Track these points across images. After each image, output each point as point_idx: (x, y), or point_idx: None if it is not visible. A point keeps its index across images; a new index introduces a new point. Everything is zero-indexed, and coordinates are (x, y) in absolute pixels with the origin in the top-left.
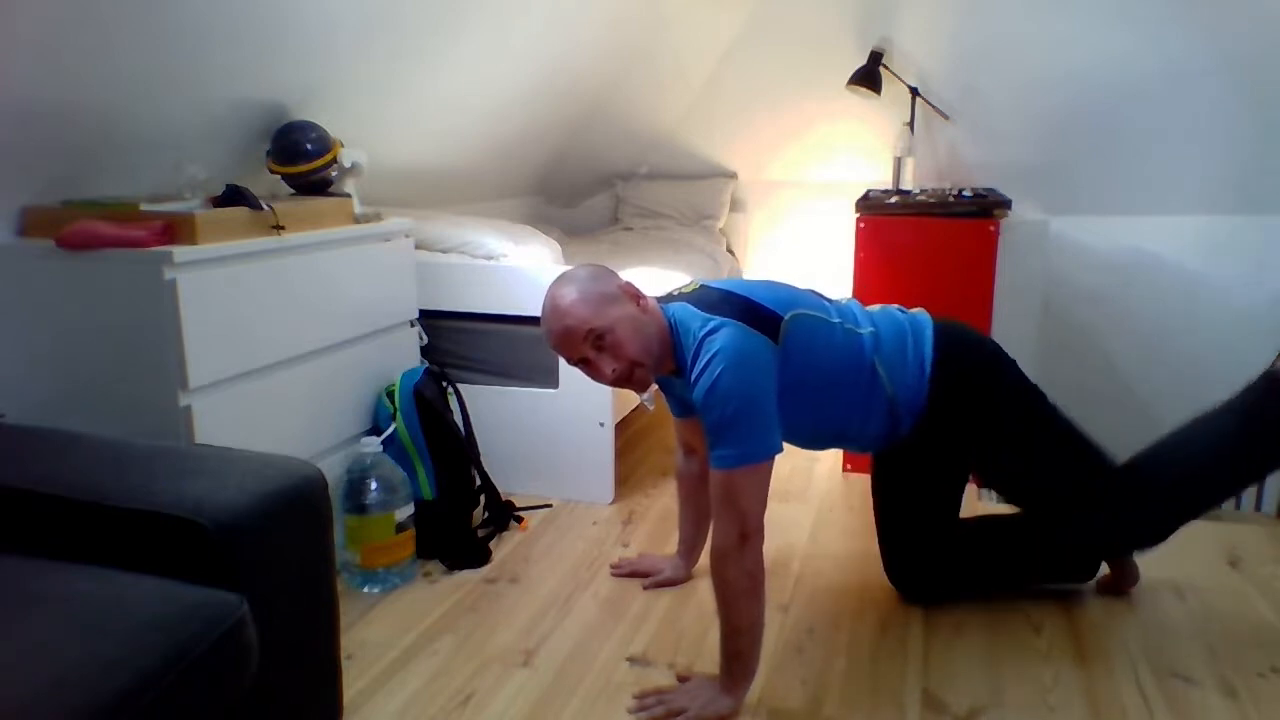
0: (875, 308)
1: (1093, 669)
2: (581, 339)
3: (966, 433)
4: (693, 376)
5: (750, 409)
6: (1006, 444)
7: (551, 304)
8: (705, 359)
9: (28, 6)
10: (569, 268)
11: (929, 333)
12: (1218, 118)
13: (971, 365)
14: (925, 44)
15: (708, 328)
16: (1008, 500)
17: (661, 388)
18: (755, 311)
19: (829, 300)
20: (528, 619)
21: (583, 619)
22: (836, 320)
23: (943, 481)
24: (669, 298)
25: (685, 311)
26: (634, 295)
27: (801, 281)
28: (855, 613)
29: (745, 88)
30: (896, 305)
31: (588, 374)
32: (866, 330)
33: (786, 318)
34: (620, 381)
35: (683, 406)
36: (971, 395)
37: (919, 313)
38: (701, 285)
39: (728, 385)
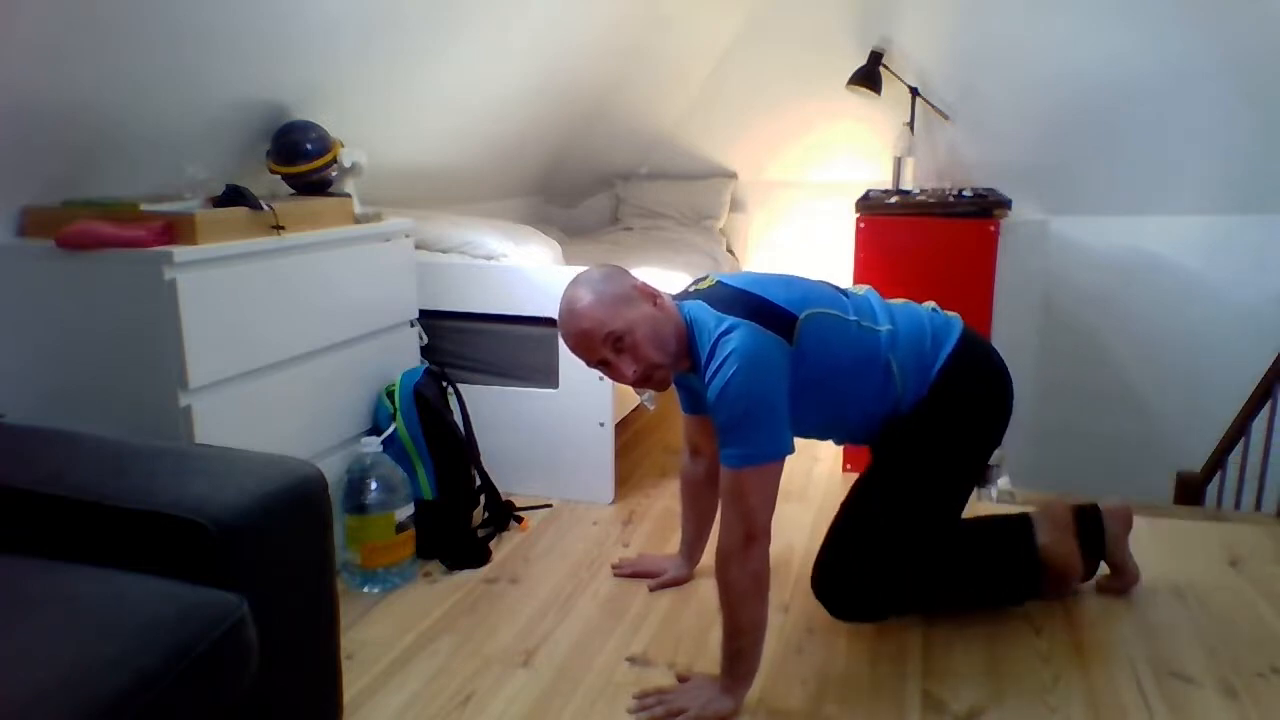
0: (898, 302)
1: (1093, 669)
2: (600, 342)
3: (952, 432)
4: (707, 376)
5: (761, 410)
6: (934, 465)
7: (567, 307)
8: (720, 359)
9: (28, 7)
10: (581, 268)
11: (955, 335)
12: (1218, 118)
13: (982, 375)
14: (925, 44)
15: (722, 328)
16: (853, 500)
17: (674, 383)
18: (770, 311)
19: (845, 295)
20: (528, 619)
21: (583, 619)
22: (852, 318)
23: (918, 481)
24: (684, 295)
25: (701, 310)
26: (650, 295)
27: (812, 276)
28: None
29: (745, 88)
30: (932, 303)
31: (608, 375)
32: (884, 328)
33: (801, 317)
34: (641, 382)
35: (693, 402)
36: (970, 400)
37: (953, 317)
38: (718, 281)
39: (740, 386)
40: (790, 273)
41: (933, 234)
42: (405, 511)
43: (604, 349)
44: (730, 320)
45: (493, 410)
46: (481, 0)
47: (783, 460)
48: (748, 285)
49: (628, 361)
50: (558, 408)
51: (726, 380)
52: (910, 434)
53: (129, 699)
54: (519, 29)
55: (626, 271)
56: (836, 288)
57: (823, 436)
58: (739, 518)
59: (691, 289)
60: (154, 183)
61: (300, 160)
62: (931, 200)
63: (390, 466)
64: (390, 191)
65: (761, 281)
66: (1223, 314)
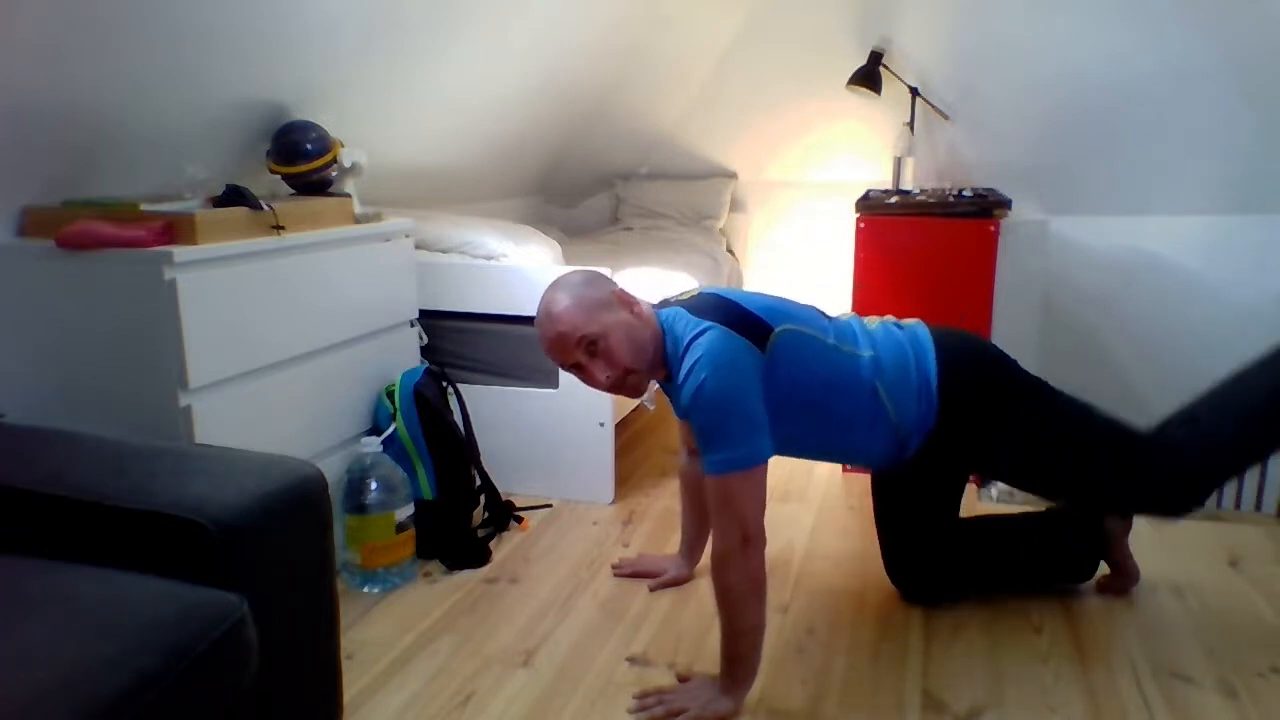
0: (875, 324)
1: (1093, 669)
2: (574, 345)
3: (978, 444)
4: (679, 380)
5: (736, 412)
6: (1028, 445)
7: (545, 310)
8: (689, 364)
9: (28, 7)
10: (566, 270)
11: (930, 349)
12: (1218, 118)
13: (977, 377)
14: (925, 44)
15: (691, 333)
16: (1047, 498)
17: (664, 391)
18: (744, 318)
19: (828, 319)
20: (528, 619)
21: (583, 619)
22: (832, 340)
23: (942, 486)
24: (665, 303)
25: (676, 316)
26: (627, 301)
27: (804, 288)
28: (855, 613)
29: (745, 88)
30: (892, 317)
31: (582, 379)
32: (865, 353)
33: (777, 330)
34: (614, 387)
35: (685, 409)
36: (981, 408)
37: (916, 326)
38: (701, 292)
39: (712, 390)
40: (783, 294)
41: (933, 234)
42: (405, 511)
43: (578, 352)
44: (703, 325)
45: (493, 410)
46: (481, 0)
47: (765, 463)
48: (729, 295)
49: (601, 366)
50: (558, 408)
51: (698, 386)
52: (958, 449)
53: (129, 699)
54: (519, 29)
55: (606, 277)
56: (821, 313)
57: (816, 458)
58: (732, 521)
59: (673, 299)
60: (154, 183)
61: (300, 160)
62: (931, 200)
63: (390, 466)
64: (390, 191)
65: (745, 295)
66: (1223, 314)
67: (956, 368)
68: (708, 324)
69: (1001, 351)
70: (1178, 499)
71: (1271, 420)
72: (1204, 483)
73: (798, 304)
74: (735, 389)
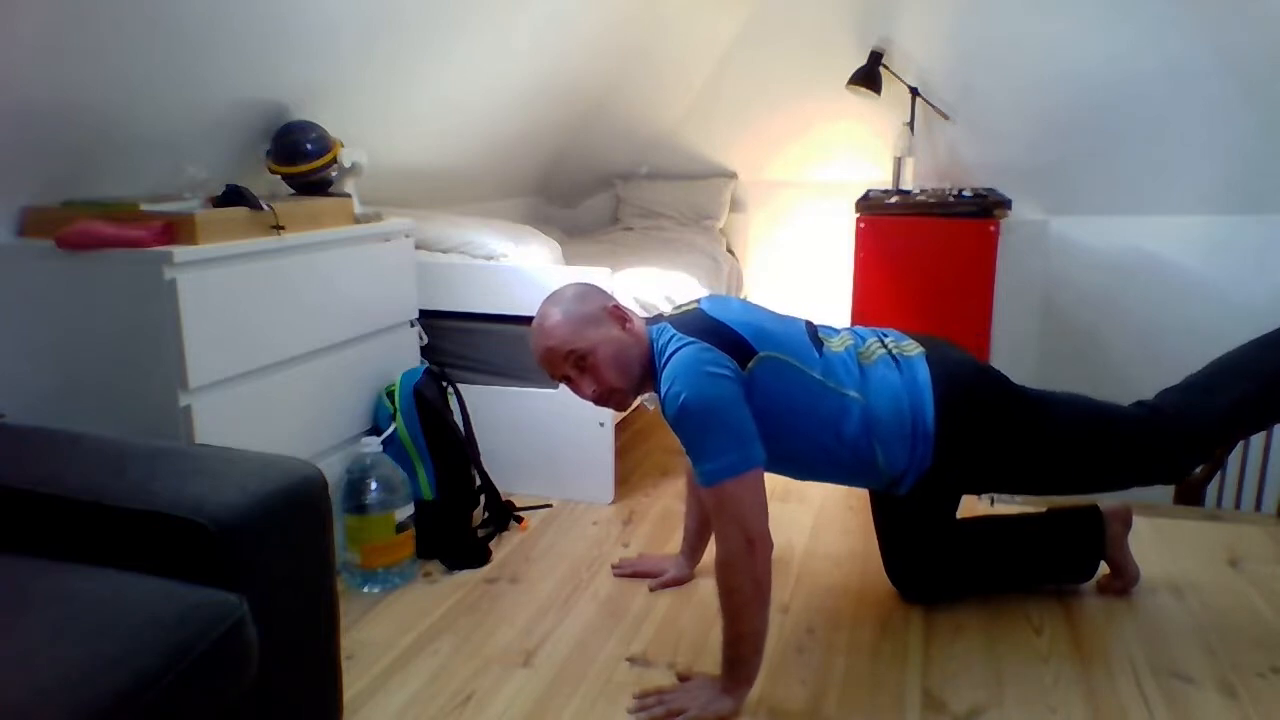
0: (873, 357)
1: (1093, 669)
2: (562, 359)
3: (977, 477)
4: (661, 396)
5: (719, 421)
6: (1028, 468)
7: (538, 323)
8: (670, 379)
9: (28, 7)
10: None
11: (928, 392)
12: (1218, 118)
13: (975, 416)
14: (925, 44)
15: (671, 349)
16: (1052, 495)
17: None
18: (730, 337)
19: (821, 350)
20: (528, 619)
21: (583, 619)
22: (818, 375)
23: (940, 498)
24: (657, 318)
25: (663, 333)
26: (619, 317)
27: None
28: (855, 612)
29: (745, 88)
30: (893, 339)
31: (572, 390)
32: (853, 394)
33: (760, 354)
34: (599, 401)
35: (670, 424)
36: (980, 449)
37: (916, 362)
38: (695, 308)
39: (693, 403)
40: (777, 308)
41: (933, 234)
42: (405, 511)
43: (566, 366)
44: (684, 340)
45: (493, 410)
46: (482, 0)
47: (759, 467)
48: (721, 315)
49: (588, 381)
50: (558, 408)
51: (680, 400)
52: (955, 481)
53: (129, 699)
54: (519, 29)
55: (602, 290)
56: (816, 340)
57: (801, 478)
58: (734, 527)
59: (668, 313)
60: (154, 183)
61: (300, 160)
62: (931, 200)
63: (390, 466)
64: (390, 191)
65: (735, 314)
66: (1223, 314)
67: (955, 410)
68: (688, 339)
69: (998, 376)
70: (1177, 467)
71: (1271, 391)
72: (1204, 447)
73: (791, 323)
74: (715, 398)
